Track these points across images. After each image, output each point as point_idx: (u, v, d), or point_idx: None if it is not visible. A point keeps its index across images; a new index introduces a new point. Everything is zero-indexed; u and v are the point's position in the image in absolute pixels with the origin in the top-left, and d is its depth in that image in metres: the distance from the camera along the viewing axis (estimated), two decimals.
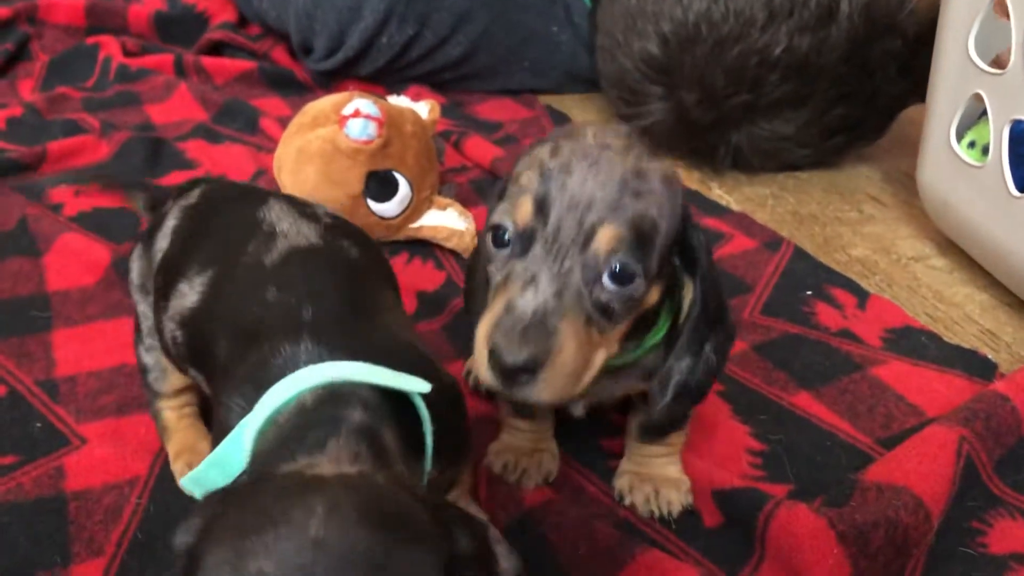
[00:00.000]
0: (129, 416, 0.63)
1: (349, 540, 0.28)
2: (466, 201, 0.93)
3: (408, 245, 0.86)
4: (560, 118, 1.18)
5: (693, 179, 1.05)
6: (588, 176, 0.42)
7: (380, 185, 0.82)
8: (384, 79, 1.21)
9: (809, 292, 0.82)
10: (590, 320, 0.42)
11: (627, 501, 0.57)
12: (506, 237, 0.44)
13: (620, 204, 0.42)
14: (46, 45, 1.28)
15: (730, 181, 1.06)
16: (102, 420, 0.62)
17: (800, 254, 0.89)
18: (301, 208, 0.54)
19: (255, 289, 0.47)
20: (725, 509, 0.56)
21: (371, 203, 0.82)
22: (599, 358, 0.44)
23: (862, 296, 0.82)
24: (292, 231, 0.51)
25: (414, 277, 0.81)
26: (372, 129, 0.80)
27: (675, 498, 0.56)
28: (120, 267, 0.77)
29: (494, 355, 0.41)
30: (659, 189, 0.44)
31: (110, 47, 1.23)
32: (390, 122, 0.82)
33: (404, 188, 0.83)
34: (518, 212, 0.43)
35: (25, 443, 0.60)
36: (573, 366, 0.42)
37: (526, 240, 0.43)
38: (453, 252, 0.85)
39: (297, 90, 1.21)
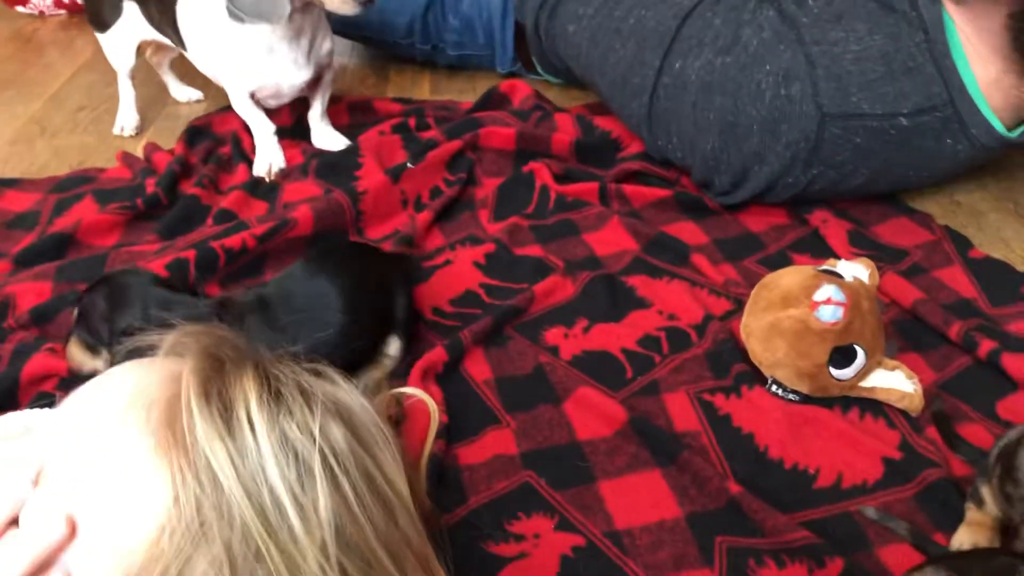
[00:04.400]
0: (687, 572, 0.81)
1: None
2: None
3: (858, 401, 0.99)
4: (961, 242, 1.26)
5: None
6: None
7: (841, 355, 0.96)
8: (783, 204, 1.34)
9: None
10: None
11: None
12: None
13: None
14: (486, 169, 1.52)
15: None
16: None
17: None
18: None
19: None
20: None
21: (831, 369, 0.96)
22: None
23: None
24: None
25: (870, 437, 0.94)
26: (840, 313, 0.94)
27: None
28: (635, 424, 0.96)
29: None
30: None
31: (543, 175, 1.45)
32: (852, 304, 0.95)
33: (861, 357, 0.96)
34: None
35: None
36: None
37: None
38: (903, 412, 0.98)
39: (706, 214, 1.37)
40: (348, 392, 0.58)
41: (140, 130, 1.78)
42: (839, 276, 1.00)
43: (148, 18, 1.60)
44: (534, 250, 1.30)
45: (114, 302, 0.98)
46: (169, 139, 1.73)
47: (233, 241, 1.25)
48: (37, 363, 1.05)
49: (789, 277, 1.00)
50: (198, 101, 1.91)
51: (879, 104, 1.23)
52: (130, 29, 1.64)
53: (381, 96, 1.89)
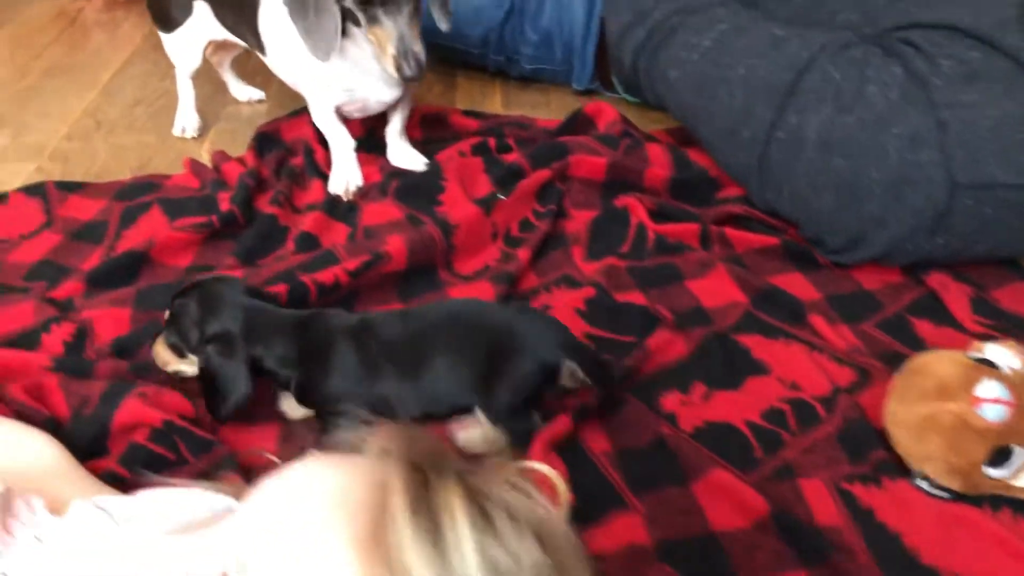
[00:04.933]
0: None
1: None
2: None
3: (1010, 501, 0.94)
4: None
5: None
6: None
7: (997, 453, 0.90)
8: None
9: None
10: None
11: None
12: None
13: None
14: (574, 200, 1.45)
15: None
16: None
17: None
18: None
19: None
20: None
21: (986, 468, 0.91)
22: None
23: None
24: None
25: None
26: (1006, 413, 0.88)
27: None
28: (776, 517, 0.90)
29: None
30: None
31: (638, 212, 1.38)
32: (1018, 403, 0.89)
33: (1020, 457, 0.90)
34: None
35: None
36: None
37: None
38: None
39: (815, 267, 1.30)
40: (546, 510, 0.54)
41: (201, 132, 1.70)
42: (993, 365, 0.94)
43: (221, 19, 1.52)
44: (636, 297, 1.23)
45: (206, 308, 0.98)
46: (231, 141, 1.66)
47: (325, 276, 1.18)
48: (129, 410, 0.98)
49: (944, 366, 0.94)
50: (259, 101, 1.83)
51: (1015, 173, 1.16)
52: (199, 29, 1.57)
53: (450, 105, 1.81)
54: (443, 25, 1.35)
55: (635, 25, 1.51)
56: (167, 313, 1.02)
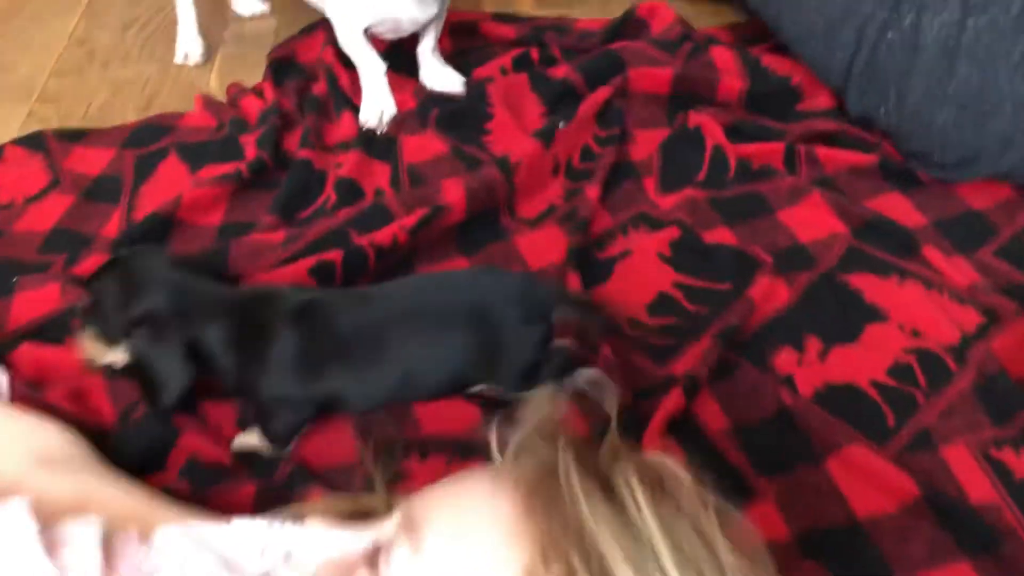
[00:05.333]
0: None
1: None
2: None
3: None
4: None
5: None
6: None
7: None
8: None
9: None
10: None
11: None
12: None
13: None
14: (635, 118, 1.30)
15: None
16: None
17: None
18: None
19: None
20: None
21: None
22: None
23: None
24: None
25: None
26: None
27: None
28: (928, 498, 0.81)
29: None
30: None
31: (713, 132, 1.24)
32: None
33: None
34: None
35: None
36: None
37: None
38: None
39: (916, 185, 1.17)
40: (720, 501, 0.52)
41: (207, 57, 1.53)
42: None
43: None
44: (725, 236, 1.11)
45: (128, 288, 0.84)
46: (240, 66, 1.50)
47: (383, 237, 1.05)
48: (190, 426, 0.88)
49: None
50: (263, 16, 1.65)
51: None
52: None
53: (476, 8, 1.63)
54: None
55: None
56: (85, 300, 0.87)
